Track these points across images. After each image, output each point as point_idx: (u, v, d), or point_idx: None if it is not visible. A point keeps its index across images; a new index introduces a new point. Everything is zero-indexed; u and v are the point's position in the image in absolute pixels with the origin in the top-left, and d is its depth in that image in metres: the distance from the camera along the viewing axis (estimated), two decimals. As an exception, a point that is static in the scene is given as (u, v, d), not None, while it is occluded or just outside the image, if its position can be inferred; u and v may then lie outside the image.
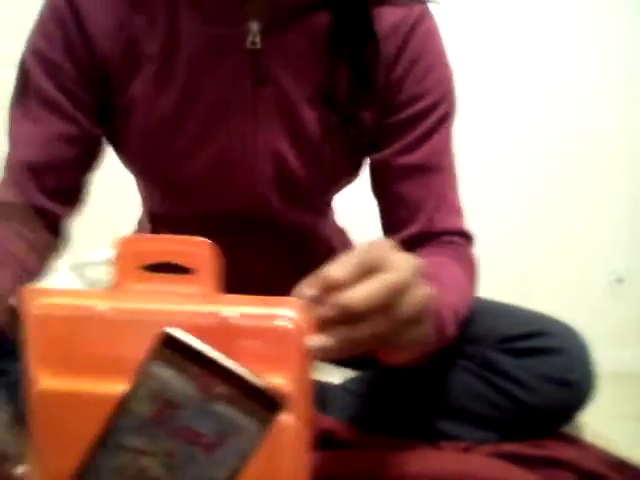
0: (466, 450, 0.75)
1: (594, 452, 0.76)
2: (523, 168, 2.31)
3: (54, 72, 0.74)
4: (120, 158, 0.84)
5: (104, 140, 0.82)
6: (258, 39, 0.73)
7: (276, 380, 0.41)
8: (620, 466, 0.72)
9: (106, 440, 0.43)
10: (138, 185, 0.90)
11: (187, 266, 0.45)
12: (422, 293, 0.48)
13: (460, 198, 0.84)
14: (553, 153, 2.32)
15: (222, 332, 0.42)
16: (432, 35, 0.81)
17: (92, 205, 0.85)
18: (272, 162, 0.79)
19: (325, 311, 0.42)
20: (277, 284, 0.60)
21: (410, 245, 0.80)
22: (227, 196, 0.81)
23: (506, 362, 0.77)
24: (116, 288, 0.46)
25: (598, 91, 2.31)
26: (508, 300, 0.87)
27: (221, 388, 0.41)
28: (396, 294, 0.44)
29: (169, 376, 0.41)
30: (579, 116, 2.31)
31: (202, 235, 0.45)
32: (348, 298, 0.42)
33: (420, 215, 0.80)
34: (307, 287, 0.43)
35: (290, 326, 0.40)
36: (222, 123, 0.77)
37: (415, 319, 0.47)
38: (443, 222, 0.80)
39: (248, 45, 0.74)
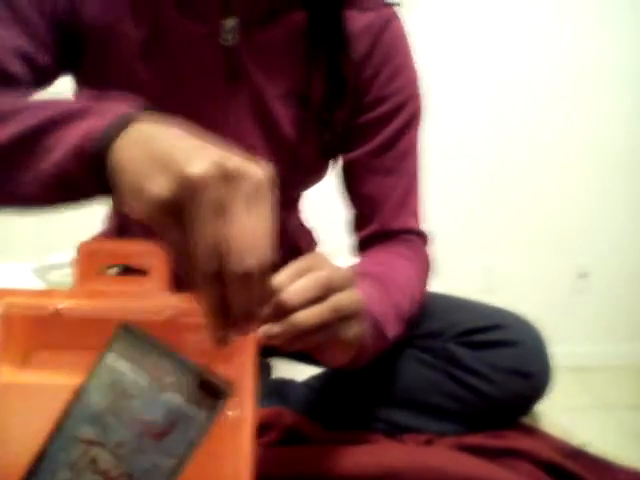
0: (428, 443, 0.77)
1: (551, 442, 0.78)
2: (488, 162, 2.32)
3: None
4: None
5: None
6: (231, 36, 0.74)
7: (221, 370, 0.44)
8: (575, 455, 0.75)
9: (60, 431, 0.45)
10: None
11: (141, 268, 0.48)
12: (356, 294, 0.50)
13: (421, 201, 0.85)
14: (518, 147, 2.32)
15: (171, 327, 0.45)
16: (401, 37, 0.83)
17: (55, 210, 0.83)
18: None
19: (266, 312, 0.44)
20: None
21: (368, 243, 0.82)
22: None
23: (465, 355, 0.78)
24: (75, 289, 0.49)
25: (566, 85, 2.31)
26: (473, 296, 0.88)
27: (171, 378, 0.44)
28: (327, 287, 0.47)
29: (123, 367, 0.44)
30: (548, 110, 2.29)
31: None
32: (283, 295, 0.45)
33: (380, 214, 0.82)
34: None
35: None
36: (196, 117, 0.77)
37: (352, 314, 0.49)
38: (400, 222, 0.82)
39: (222, 41, 0.74)
